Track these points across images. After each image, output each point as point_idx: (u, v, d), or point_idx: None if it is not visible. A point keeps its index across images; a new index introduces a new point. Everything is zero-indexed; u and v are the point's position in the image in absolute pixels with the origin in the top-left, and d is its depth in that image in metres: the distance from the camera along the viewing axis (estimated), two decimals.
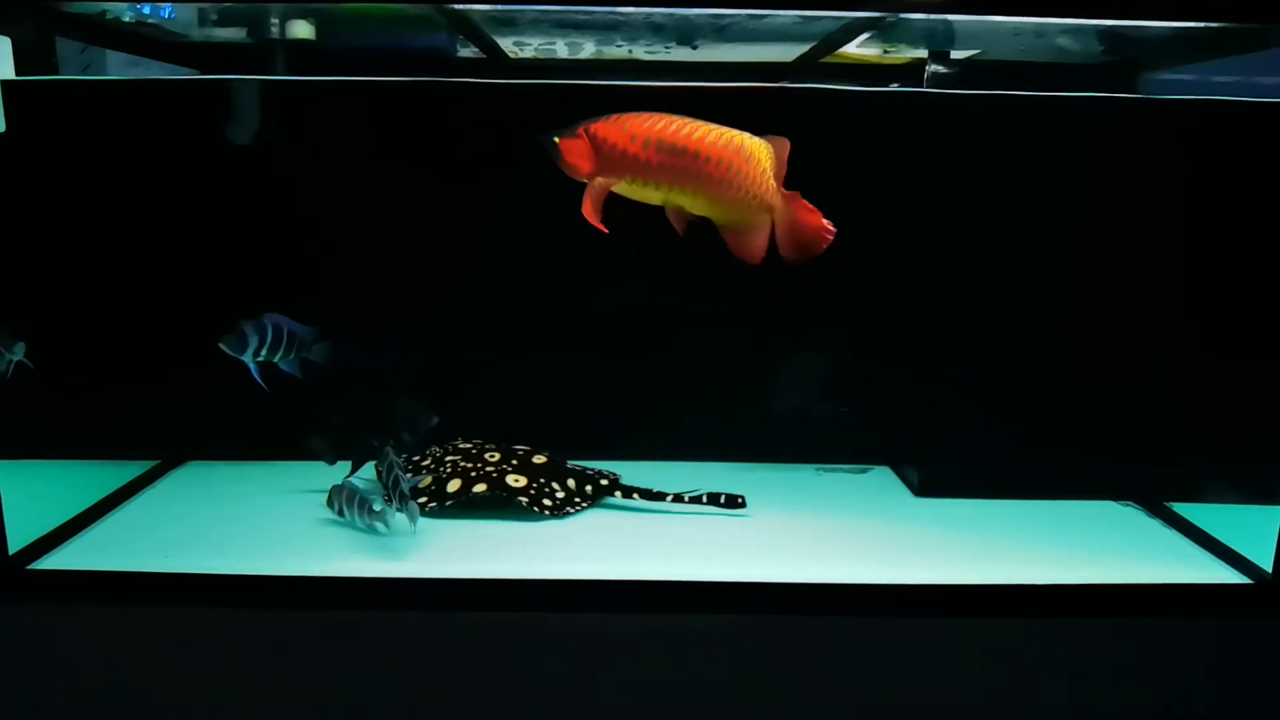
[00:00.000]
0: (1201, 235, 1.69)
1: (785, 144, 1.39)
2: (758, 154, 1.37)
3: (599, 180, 1.38)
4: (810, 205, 1.41)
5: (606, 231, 1.37)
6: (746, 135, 1.37)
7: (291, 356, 1.60)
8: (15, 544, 1.40)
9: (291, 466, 1.72)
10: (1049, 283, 1.70)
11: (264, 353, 1.56)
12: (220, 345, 1.54)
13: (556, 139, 1.38)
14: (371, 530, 1.50)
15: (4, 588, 1.35)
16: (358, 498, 1.50)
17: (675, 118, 1.36)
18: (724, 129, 1.36)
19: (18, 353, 1.61)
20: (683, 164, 1.35)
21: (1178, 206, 1.68)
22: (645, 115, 1.36)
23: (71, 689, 1.34)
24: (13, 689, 1.34)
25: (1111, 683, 1.36)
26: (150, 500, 1.69)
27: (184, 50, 1.90)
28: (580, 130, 1.38)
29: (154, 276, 1.76)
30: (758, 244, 1.41)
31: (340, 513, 1.52)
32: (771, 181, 1.38)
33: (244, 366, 1.56)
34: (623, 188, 1.39)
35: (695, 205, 1.38)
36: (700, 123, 1.36)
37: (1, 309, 1.72)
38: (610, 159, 1.37)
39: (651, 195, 1.39)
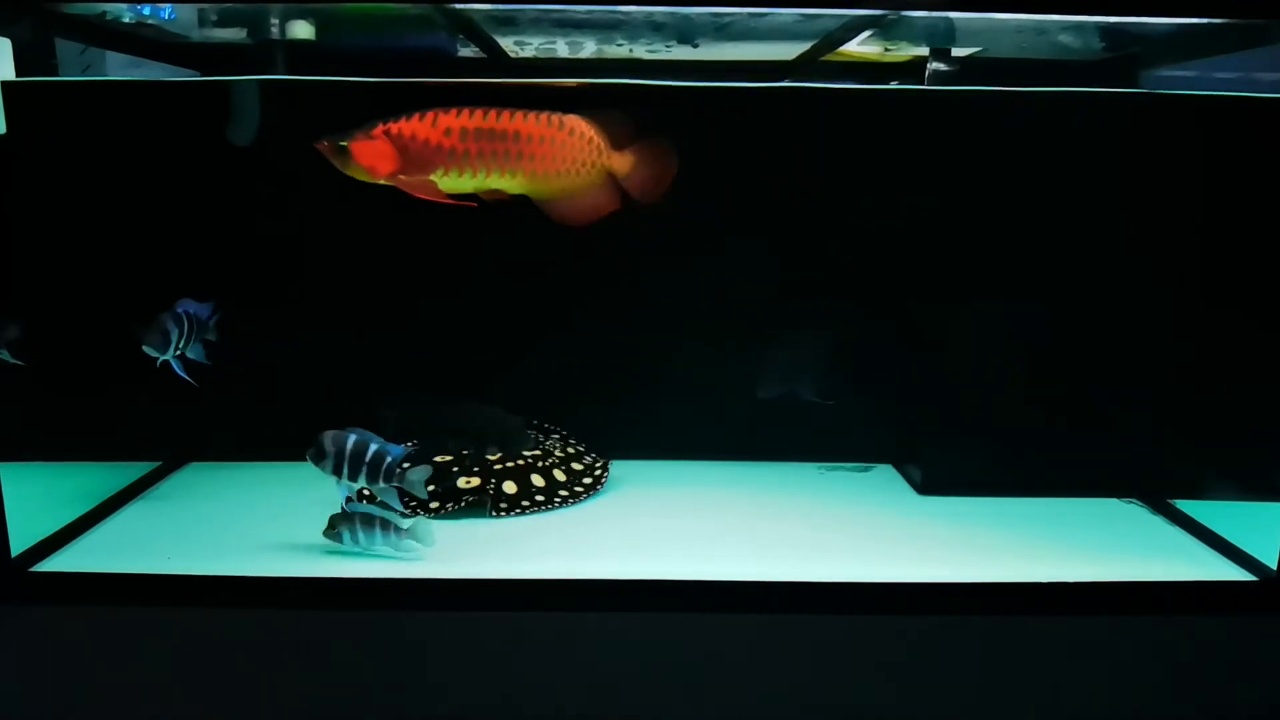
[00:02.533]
0: (1205, 231, 1.69)
1: (612, 114, 1.52)
2: (579, 127, 1.49)
3: (414, 178, 1.45)
4: (648, 152, 1.53)
5: (476, 206, 1.48)
6: (561, 114, 1.48)
7: (196, 342, 1.54)
8: (18, 546, 1.39)
9: (294, 467, 1.72)
10: (1051, 280, 1.70)
11: (180, 344, 1.51)
12: (145, 349, 1.49)
13: (345, 143, 1.43)
14: (399, 553, 1.44)
15: (7, 590, 1.35)
16: (377, 521, 1.44)
17: (480, 108, 1.45)
18: (537, 112, 1.47)
19: (3, 353, 1.60)
20: (504, 148, 1.45)
21: (1179, 203, 1.68)
22: (450, 109, 1.45)
23: (75, 691, 1.34)
24: (16, 691, 1.33)
25: (1115, 680, 1.36)
26: (152, 502, 1.69)
27: (184, 51, 1.90)
28: (378, 131, 1.43)
29: (155, 278, 1.76)
30: (586, 208, 1.53)
31: (354, 540, 1.44)
32: (605, 146, 1.51)
33: (168, 365, 1.51)
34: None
35: (514, 185, 1.49)
36: (510, 109, 1.46)
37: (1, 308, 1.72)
38: (420, 156, 1.44)
39: (464, 184, 1.47)
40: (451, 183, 1.47)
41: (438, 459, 1.70)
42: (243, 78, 1.71)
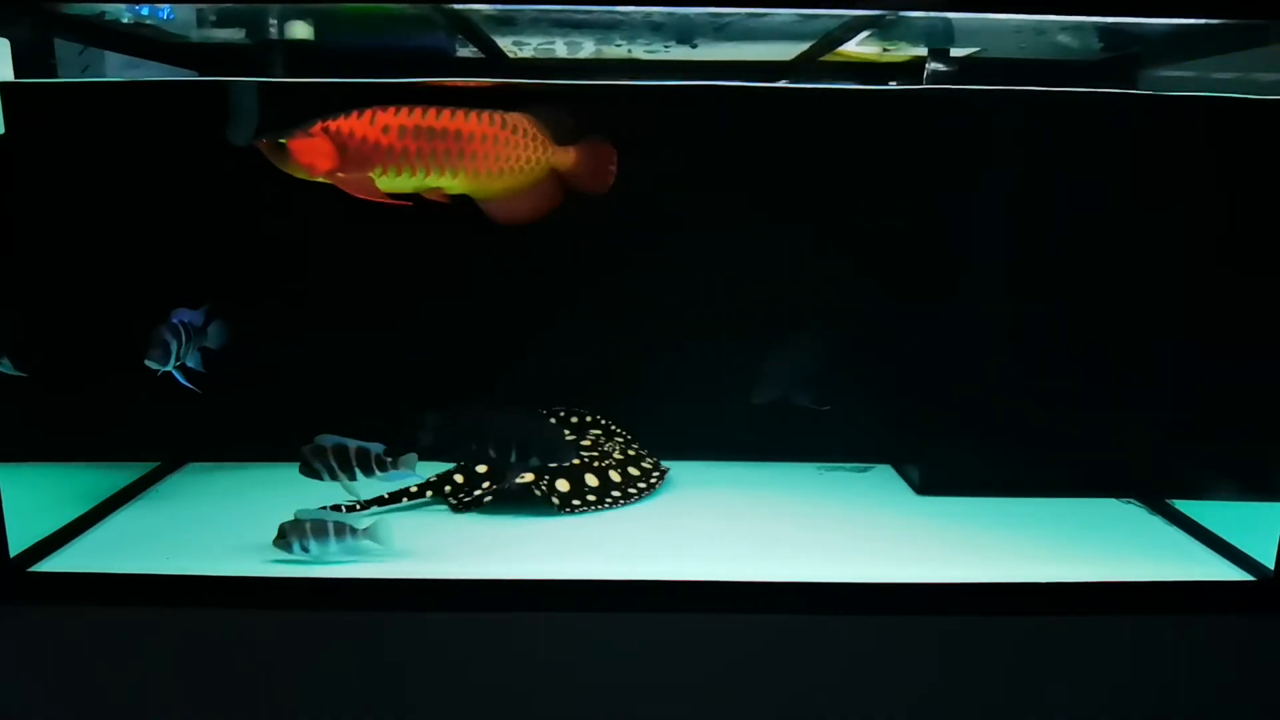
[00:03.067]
0: (1202, 231, 1.69)
1: (552, 109, 1.54)
2: (522, 125, 1.50)
3: (353, 176, 1.45)
4: (590, 149, 1.57)
5: (412, 205, 1.48)
6: (501, 112, 1.49)
7: (194, 350, 1.56)
8: (16, 547, 1.40)
9: (292, 468, 1.72)
10: (1050, 280, 1.70)
11: (180, 355, 1.53)
12: (147, 363, 1.50)
13: (284, 140, 1.43)
14: (354, 556, 1.42)
15: (5, 590, 1.35)
16: (329, 526, 1.41)
17: (421, 106, 1.46)
18: (477, 110, 1.47)
19: (4, 365, 1.60)
20: (445, 146, 1.45)
21: (1177, 203, 1.68)
22: (389, 107, 1.45)
23: (73, 691, 1.34)
24: (14, 691, 1.34)
25: (1113, 680, 1.36)
26: (151, 502, 1.69)
27: (182, 51, 1.90)
28: (317, 129, 1.43)
29: (154, 278, 1.76)
30: (529, 207, 1.55)
31: (304, 549, 1.41)
32: (548, 143, 1.53)
33: (173, 376, 1.53)
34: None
35: (455, 185, 1.49)
36: (451, 108, 1.46)
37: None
38: (360, 153, 1.44)
39: (404, 183, 1.47)
40: (390, 181, 1.47)
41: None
42: (241, 78, 1.71)
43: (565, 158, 1.55)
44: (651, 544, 1.52)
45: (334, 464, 1.48)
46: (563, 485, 1.65)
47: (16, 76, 1.65)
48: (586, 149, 1.57)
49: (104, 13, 1.65)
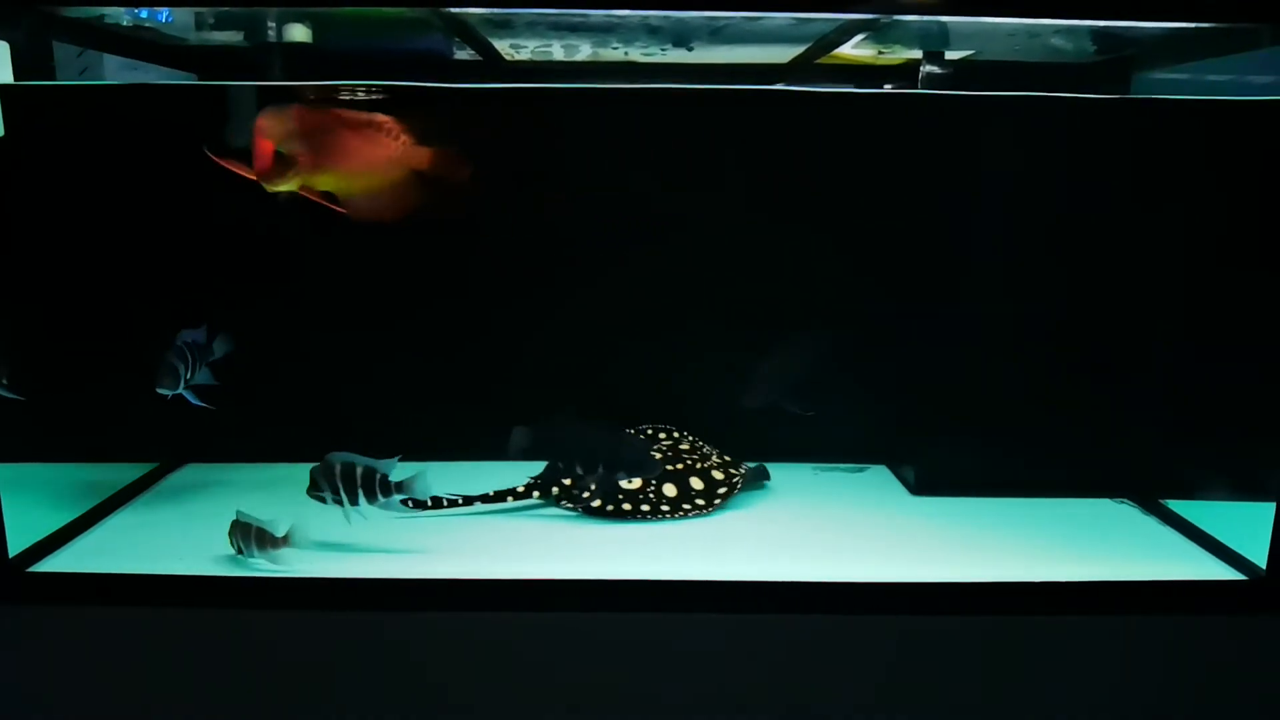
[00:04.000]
0: (1197, 233, 1.70)
1: (415, 111, 1.60)
2: (387, 125, 1.56)
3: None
4: (446, 150, 1.63)
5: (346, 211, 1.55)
6: (369, 112, 1.56)
7: (203, 368, 1.58)
8: (16, 547, 1.40)
9: (292, 468, 1.73)
10: (1045, 281, 1.71)
11: (189, 376, 1.55)
12: (159, 390, 1.52)
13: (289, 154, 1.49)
14: (275, 565, 1.40)
15: (5, 590, 1.35)
16: (253, 531, 1.39)
17: (305, 105, 1.52)
18: (345, 110, 1.55)
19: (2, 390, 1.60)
20: (328, 143, 1.52)
21: (1171, 204, 1.69)
22: (290, 105, 1.52)
23: (73, 692, 1.34)
24: (13, 692, 1.34)
25: (1107, 680, 1.36)
26: (151, 502, 1.69)
27: (181, 54, 1.90)
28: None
29: (154, 280, 1.77)
30: (391, 203, 1.60)
31: (239, 550, 1.40)
32: (408, 143, 1.58)
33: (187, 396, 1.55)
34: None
35: (324, 182, 1.54)
36: (325, 107, 1.54)
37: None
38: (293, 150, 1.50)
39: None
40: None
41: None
42: (240, 82, 1.72)
43: (420, 157, 1.59)
44: (648, 544, 1.53)
45: (340, 486, 1.43)
46: (670, 490, 1.65)
47: (15, 79, 1.66)
48: (441, 150, 1.61)
49: (103, 15, 1.66)
